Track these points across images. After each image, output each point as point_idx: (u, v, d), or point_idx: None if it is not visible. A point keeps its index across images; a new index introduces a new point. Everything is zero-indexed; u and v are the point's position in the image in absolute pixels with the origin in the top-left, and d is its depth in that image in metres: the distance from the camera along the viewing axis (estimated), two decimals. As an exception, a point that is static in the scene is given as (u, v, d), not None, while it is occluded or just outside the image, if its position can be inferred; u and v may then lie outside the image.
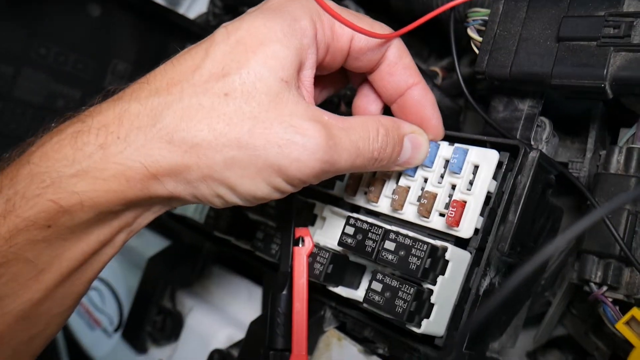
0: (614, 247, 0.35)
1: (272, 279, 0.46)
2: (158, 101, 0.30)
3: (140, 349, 0.55)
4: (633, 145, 0.37)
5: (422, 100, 0.37)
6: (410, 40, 0.67)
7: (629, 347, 0.39)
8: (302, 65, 0.32)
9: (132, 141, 0.29)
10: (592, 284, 0.37)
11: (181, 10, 0.75)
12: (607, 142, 0.42)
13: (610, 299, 0.36)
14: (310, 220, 0.43)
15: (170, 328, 0.53)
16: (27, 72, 0.55)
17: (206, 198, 0.31)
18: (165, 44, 0.65)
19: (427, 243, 0.34)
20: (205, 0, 0.71)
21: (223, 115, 0.29)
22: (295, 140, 0.29)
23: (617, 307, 0.36)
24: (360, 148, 0.32)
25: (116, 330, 0.61)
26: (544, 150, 0.38)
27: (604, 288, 0.36)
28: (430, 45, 0.69)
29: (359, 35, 0.34)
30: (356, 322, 0.41)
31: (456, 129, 0.52)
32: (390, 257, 0.35)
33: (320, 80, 0.36)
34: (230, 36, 0.31)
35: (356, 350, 0.42)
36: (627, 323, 0.32)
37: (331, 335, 0.44)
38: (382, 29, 0.35)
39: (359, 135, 0.32)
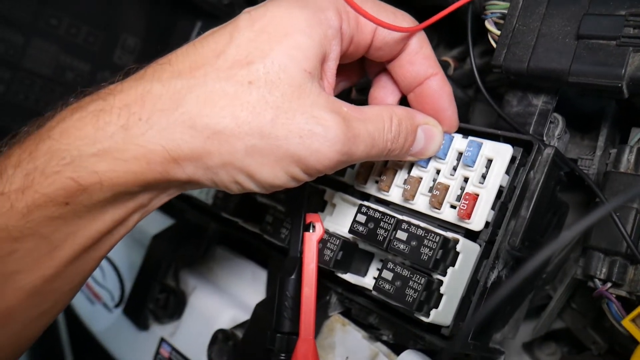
0: (621, 245, 0.36)
1: (279, 263, 0.47)
2: (181, 84, 0.30)
3: (142, 325, 0.55)
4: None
5: (440, 91, 0.37)
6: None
7: (626, 342, 0.40)
8: (326, 57, 0.32)
9: (154, 123, 0.29)
10: (596, 280, 0.37)
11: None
12: (617, 141, 0.42)
13: (613, 296, 0.36)
14: (320, 206, 0.44)
15: (173, 306, 0.53)
16: (37, 42, 0.55)
17: (224, 184, 0.31)
18: (175, 21, 0.64)
19: (440, 234, 0.34)
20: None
21: (247, 104, 0.29)
22: (316, 131, 0.30)
23: (620, 304, 0.36)
24: (376, 138, 0.33)
25: (117, 306, 0.61)
26: (556, 146, 0.38)
27: (608, 284, 0.37)
28: (440, 34, 0.69)
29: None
30: (362, 308, 0.42)
31: (466, 120, 0.52)
32: (401, 246, 0.35)
33: (339, 70, 0.36)
34: (255, 23, 0.31)
35: (360, 336, 0.43)
36: (633, 320, 0.32)
37: (335, 320, 0.45)
38: (405, 19, 0.35)
39: (374, 126, 0.33)
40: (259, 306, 0.46)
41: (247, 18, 0.31)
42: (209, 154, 0.30)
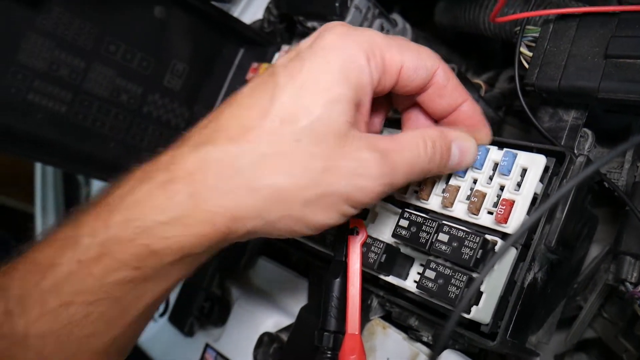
0: (650, 249, 0.38)
1: (320, 270, 0.49)
2: (236, 150, 0.32)
3: (187, 332, 0.58)
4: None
5: (471, 113, 0.40)
6: (449, 56, 0.71)
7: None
8: (361, 102, 0.35)
9: (217, 189, 0.32)
10: (628, 284, 0.39)
11: (234, 14, 0.79)
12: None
13: (645, 298, 0.38)
14: (363, 214, 0.46)
15: (218, 313, 0.56)
16: (97, 67, 0.59)
17: (280, 232, 0.34)
18: (219, 47, 0.69)
19: (480, 235, 0.37)
20: (257, 5, 0.75)
21: (298, 161, 0.32)
22: (359, 172, 0.33)
23: (652, 306, 0.38)
24: (413, 165, 0.36)
25: (161, 315, 0.64)
26: (587, 155, 0.41)
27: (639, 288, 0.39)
28: (468, 61, 0.73)
29: (407, 63, 0.36)
30: (402, 311, 0.44)
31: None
32: (443, 247, 0.38)
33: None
34: (295, 80, 0.33)
35: (401, 338, 0.45)
36: (665, 316, 0.34)
37: (376, 324, 0.47)
38: (428, 56, 0.37)
39: (410, 153, 0.35)
40: (304, 309, 0.48)
41: (285, 75, 0.34)
42: (268, 211, 0.33)
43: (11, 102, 0.55)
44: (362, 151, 0.33)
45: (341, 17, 0.59)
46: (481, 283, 0.36)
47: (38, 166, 1.04)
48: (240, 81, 0.68)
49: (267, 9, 0.66)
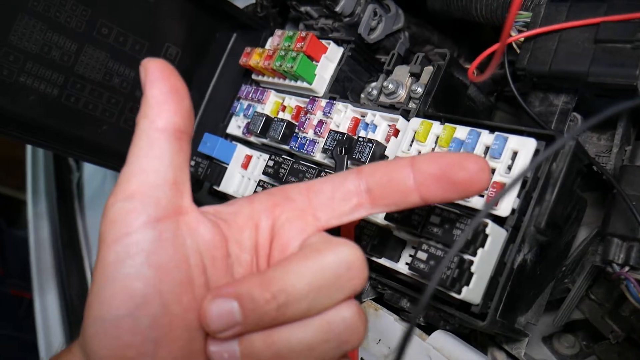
0: (637, 231, 0.39)
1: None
2: None
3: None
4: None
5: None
6: (441, 42, 0.71)
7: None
8: None
9: None
10: (615, 265, 0.40)
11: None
12: (632, 139, 0.45)
13: (634, 279, 0.39)
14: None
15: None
16: (89, 49, 0.59)
17: None
18: (213, 32, 0.68)
19: (471, 217, 0.37)
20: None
21: None
22: None
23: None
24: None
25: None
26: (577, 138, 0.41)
27: (626, 268, 0.40)
28: (460, 47, 0.73)
29: None
30: (394, 293, 0.45)
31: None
32: (435, 229, 0.39)
33: None
34: None
35: (392, 320, 0.46)
36: (650, 295, 0.35)
37: (368, 305, 0.48)
38: None
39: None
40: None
41: None
42: None
43: (2, 84, 0.55)
44: None
45: (334, 1, 0.59)
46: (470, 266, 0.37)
47: (29, 152, 1.04)
48: (233, 65, 0.68)
49: (260, -7, 0.65)
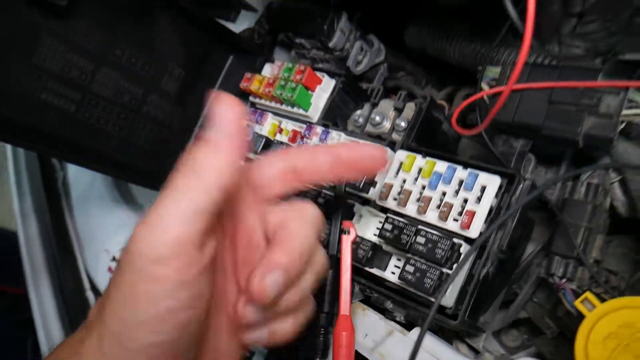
0: (574, 252, 0.50)
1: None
2: None
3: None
4: (591, 181, 0.52)
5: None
6: (414, 70, 0.80)
7: (573, 326, 0.54)
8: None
9: None
10: (555, 277, 0.51)
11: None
12: (572, 177, 0.56)
13: (569, 288, 0.50)
14: (350, 216, 0.56)
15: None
16: (104, 69, 0.65)
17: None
18: (211, 53, 0.75)
19: (449, 238, 0.47)
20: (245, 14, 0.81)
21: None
22: None
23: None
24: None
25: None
26: (532, 180, 0.52)
27: (564, 280, 0.51)
28: (430, 74, 0.83)
29: None
30: (379, 296, 0.55)
31: (454, 151, 0.66)
32: (420, 248, 0.48)
33: None
34: None
35: (378, 318, 0.55)
36: (582, 302, 0.46)
37: (357, 306, 0.57)
38: None
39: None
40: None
41: None
42: None
43: (26, 101, 0.60)
44: None
45: (328, 38, 0.67)
46: (453, 280, 0.46)
47: (9, 151, 1.06)
48: (229, 86, 0.75)
49: (259, 22, 0.73)
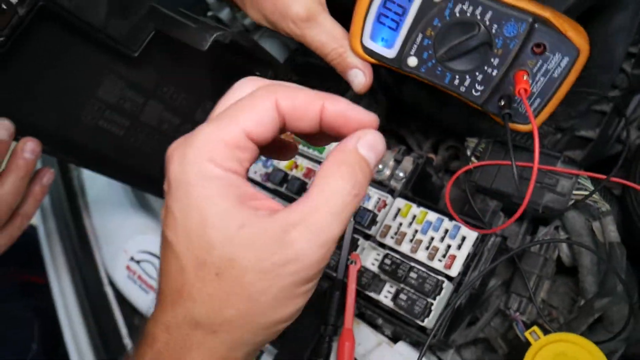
0: (525, 292, 0.65)
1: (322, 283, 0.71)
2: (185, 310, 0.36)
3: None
4: (545, 238, 0.67)
5: (339, 110, 0.38)
6: (402, 118, 0.94)
7: (521, 349, 0.68)
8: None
9: None
10: (511, 310, 0.66)
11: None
12: (530, 231, 0.72)
13: (520, 319, 0.65)
14: (355, 248, 0.69)
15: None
16: (152, 102, 0.76)
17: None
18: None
19: (435, 277, 0.61)
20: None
21: (235, 294, 0.35)
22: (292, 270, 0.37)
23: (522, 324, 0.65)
24: (342, 212, 0.36)
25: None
26: (503, 236, 0.66)
27: (517, 313, 0.66)
28: (416, 123, 0.96)
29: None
30: (373, 313, 0.68)
31: (439, 195, 0.80)
32: (412, 281, 0.62)
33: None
34: (187, 231, 0.37)
35: (369, 331, 0.69)
36: (530, 333, 0.61)
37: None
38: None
39: (334, 209, 0.36)
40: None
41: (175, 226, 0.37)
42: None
43: (86, 126, 0.70)
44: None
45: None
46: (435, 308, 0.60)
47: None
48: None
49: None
